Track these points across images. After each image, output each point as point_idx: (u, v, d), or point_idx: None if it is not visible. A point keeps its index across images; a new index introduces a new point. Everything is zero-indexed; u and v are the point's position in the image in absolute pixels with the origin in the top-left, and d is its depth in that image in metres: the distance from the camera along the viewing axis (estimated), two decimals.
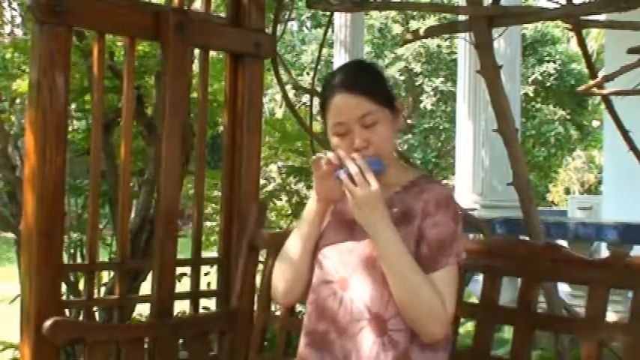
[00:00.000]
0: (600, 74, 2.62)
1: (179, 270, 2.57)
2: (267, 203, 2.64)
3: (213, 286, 2.63)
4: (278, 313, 2.32)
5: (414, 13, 14.15)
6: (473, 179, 7.15)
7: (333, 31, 7.97)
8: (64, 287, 3.15)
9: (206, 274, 3.31)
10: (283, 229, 4.14)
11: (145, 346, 2.26)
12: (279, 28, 2.84)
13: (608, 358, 1.73)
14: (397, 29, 14.89)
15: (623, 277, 1.66)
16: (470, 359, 1.86)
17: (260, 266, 2.47)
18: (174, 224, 2.33)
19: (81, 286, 3.19)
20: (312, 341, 1.64)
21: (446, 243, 1.56)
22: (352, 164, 1.53)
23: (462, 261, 1.60)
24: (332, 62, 8.91)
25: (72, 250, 3.77)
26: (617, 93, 2.65)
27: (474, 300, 2.05)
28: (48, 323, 1.93)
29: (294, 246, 1.70)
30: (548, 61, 14.81)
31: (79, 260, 3.73)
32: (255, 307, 2.35)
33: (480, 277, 1.91)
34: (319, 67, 4.36)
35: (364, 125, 1.58)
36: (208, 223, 4.95)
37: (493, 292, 1.86)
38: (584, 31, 2.57)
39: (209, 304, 2.84)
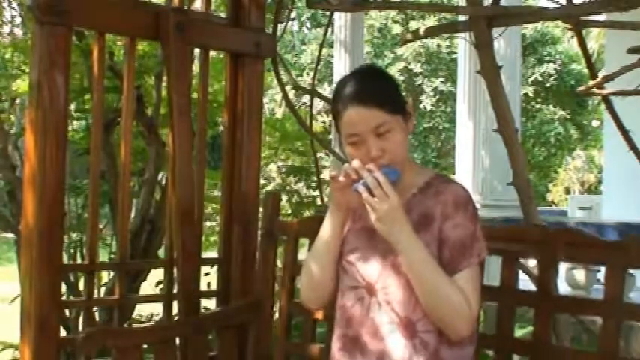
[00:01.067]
0: (600, 74, 2.62)
1: None
2: (280, 193, 2.65)
3: (214, 286, 2.63)
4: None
5: (414, 13, 14.15)
6: (473, 179, 7.15)
7: (333, 31, 7.98)
8: (64, 287, 3.15)
9: (206, 274, 3.32)
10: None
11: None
12: (279, 28, 2.84)
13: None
14: (397, 29, 14.89)
15: (638, 258, 1.71)
16: (494, 342, 1.90)
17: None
18: (193, 222, 2.33)
19: (81, 286, 3.19)
20: (345, 345, 1.67)
21: (467, 244, 1.59)
22: (370, 177, 1.55)
23: (483, 259, 1.64)
24: (332, 62, 8.92)
25: (72, 250, 3.78)
26: (617, 93, 2.65)
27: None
28: (81, 336, 1.90)
29: (317, 254, 1.73)
30: (548, 61, 14.83)
31: (79, 260, 3.73)
32: (279, 296, 2.36)
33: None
34: (319, 67, 4.36)
35: (378, 134, 1.59)
36: (208, 223, 4.95)
37: (512, 275, 1.90)
38: (584, 31, 2.57)
39: (209, 304, 2.84)
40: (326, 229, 1.70)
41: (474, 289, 1.59)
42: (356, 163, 1.58)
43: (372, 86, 1.63)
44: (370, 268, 1.64)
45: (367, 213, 1.59)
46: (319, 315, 2.21)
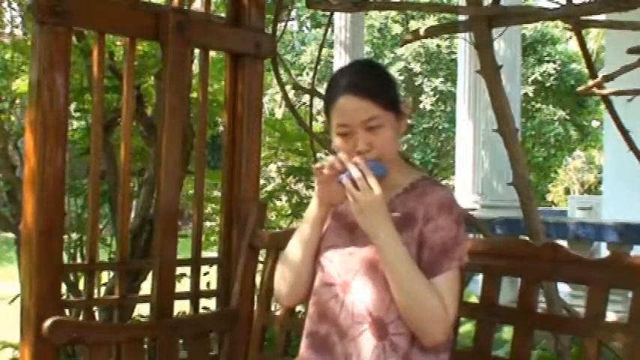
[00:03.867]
0: (600, 74, 2.62)
1: (179, 270, 2.57)
2: (266, 203, 2.64)
3: (213, 286, 2.63)
4: (278, 313, 2.32)
5: (414, 13, 14.15)
6: (473, 179, 7.15)
7: (333, 32, 7.97)
8: (64, 287, 3.14)
9: (206, 274, 3.31)
10: (283, 229, 4.14)
11: (145, 346, 2.27)
12: (279, 28, 2.84)
13: (607, 357, 1.73)
14: (397, 29, 14.89)
15: (623, 277, 1.66)
16: (470, 359, 1.87)
17: (258, 267, 2.47)
18: (175, 224, 2.33)
19: (81, 286, 3.19)
20: (314, 343, 1.64)
21: (448, 247, 1.56)
22: (355, 169, 1.52)
23: (464, 264, 1.60)
24: (332, 62, 8.92)
25: (72, 250, 3.77)
26: (617, 93, 2.65)
27: (474, 300, 2.05)
28: (48, 323, 1.93)
29: (295, 249, 1.70)
30: (548, 61, 14.81)
31: (79, 260, 3.73)
32: (255, 307, 2.35)
33: (480, 277, 1.91)
34: (319, 67, 4.36)
35: (368, 128, 1.57)
36: (208, 223, 4.95)
37: (493, 292, 1.85)
38: (584, 31, 2.57)
39: (209, 304, 2.84)
40: (306, 224, 1.67)
41: (452, 294, 1.54)
42: (342, 155, 1.56)
43: (368, 79, 1.61)
44: (347, 266, 1.61)
45: (349, 209, 1.57)
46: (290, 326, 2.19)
